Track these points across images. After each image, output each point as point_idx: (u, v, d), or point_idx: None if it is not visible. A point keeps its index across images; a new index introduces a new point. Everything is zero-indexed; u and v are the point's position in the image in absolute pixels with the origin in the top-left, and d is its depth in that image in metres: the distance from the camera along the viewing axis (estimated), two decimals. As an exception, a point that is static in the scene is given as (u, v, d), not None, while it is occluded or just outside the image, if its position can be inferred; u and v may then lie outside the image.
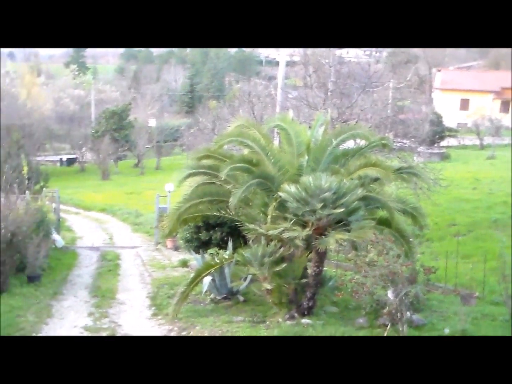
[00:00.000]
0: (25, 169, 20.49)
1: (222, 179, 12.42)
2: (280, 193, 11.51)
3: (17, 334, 11.58)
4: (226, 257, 13.12)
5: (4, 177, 17.20)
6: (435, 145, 44.80)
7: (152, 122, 55.23)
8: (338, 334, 10.98)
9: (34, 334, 11.69)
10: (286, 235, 11.34)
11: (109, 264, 19.05)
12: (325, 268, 13.03)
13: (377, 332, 11.09)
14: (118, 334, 11.90)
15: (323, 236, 11.14)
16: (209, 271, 12.94)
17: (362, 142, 13.59)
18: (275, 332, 11.20)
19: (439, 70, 68.38)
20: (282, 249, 11.89)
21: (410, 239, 12.87)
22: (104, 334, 11.89)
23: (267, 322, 12.05)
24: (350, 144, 14.21)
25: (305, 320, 11.80)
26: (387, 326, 11.03)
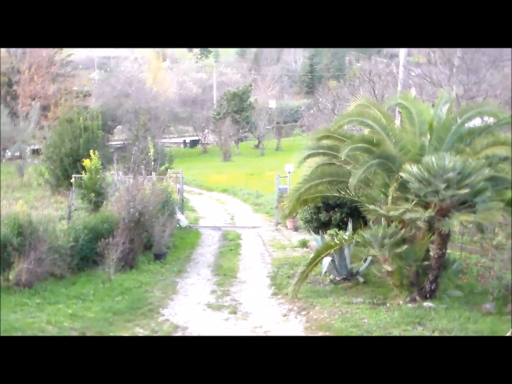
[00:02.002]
0: (151, 151, 21.26)
1: (342, 159, 12.31)
2: (401, 174, 11.25)
3: (145, 308, 12.20)
4: (346, 238, 13.03)
5: (132, 159, 17.98)
6: None
7: (272, 103, 55.51)
8: (462, 319, 10.63)
9: (160, 309, 12.26)
10: (407, 216, 11.08)
11: (230, 244, 19.49)
12: (448, 251, 12.59)
13: (506, 320, 10.61)
14: (239, 313, 12.20)
15: (446, 218, 10.78)
16: (329, 251, 12.92)
17: (490, 120, 12.92)
18: (395, 315, 11.03)
19: None
20: (403, 230, 11.63)
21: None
22: (225, 311, 12.24)
23: (388, 305, 11.87)
24: (476, 123, 13.55)
25: (427, 303, 11.50)
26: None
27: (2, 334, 10.35)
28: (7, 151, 40.55)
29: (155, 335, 8.94)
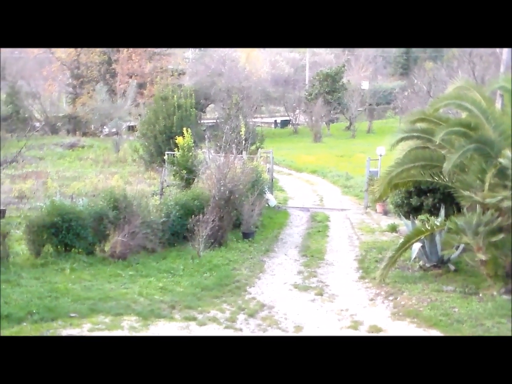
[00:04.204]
0: (243, 130, 21.42)
1: (437, 143, 11.93)
2: (500, 159, 10.79)
3: (233, 285, 12.39)
4: (438, 224, 12.67)
5: (224, 137, 18.18)
6: None
7: (365, 85, 54.52)
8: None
9: (247, 287, 12.41)
10: (505, 204, 10.66)
11: (318, 225, 19.42)
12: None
13: None
14: (325, 295, 12.16)
15: (547, 207, 10.28)
16: (419, 237, 12.61)
17: None
18: (489, 306, 10.68)
19: None
20: (499, 219, 11.17)
21: None
22: (312, 292, 12.24)
23: (480, 295, 11.48)
24: None
25: (523, 296, 11.07)
26: None
27: (98, 302, 10.83)
28: (104, 127, 42.06)
29: (155, 335, 8.98)
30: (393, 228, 18.02)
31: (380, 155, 21.91)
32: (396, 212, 17.58)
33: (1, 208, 17.82)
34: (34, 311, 10.06)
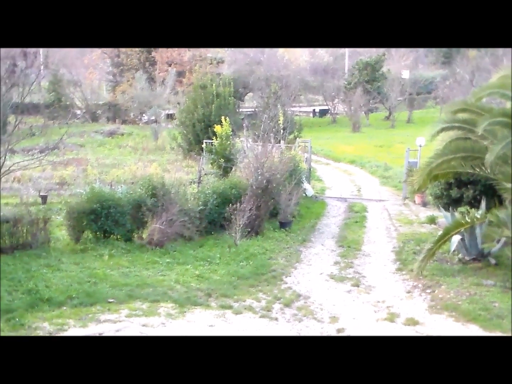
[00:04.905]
0: (281, 119, 21.34)
1: (479, 134, 11.69)
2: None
3: (269, 274, 12.40)
4: (478, 216, 12.45)
5: (262, 126, 18.14)
6: None
7: (406, 74, 53.72)
8: None
9: (283, 277, 12.40)
10: (549, 197, 10.39)
11: (356, 216, 19.28)
12: None
13: None
14: (362, 286, 12.08)
15: None
16: (459, 229, 12.41)
17: None
18: (529, 302, 10.47)
19: None
20: (543, 212, 10.93)
21: None
22: (348, 283, 12.17)
23: (520, 290, 11.27)
24: None
25: None
26: None
27: (136, 289, 10.97)
28: (143, 115, 42.45)
29: (155, 335, 8.96)
30: (432, 220, 17.77)
31: (420, 146, 21.60)
32: (435, 204, 17.34)
33: (43, 194, 18.19)
34: (73, 295, 10.26)
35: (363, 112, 48.72)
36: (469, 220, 12.33)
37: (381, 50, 53.53)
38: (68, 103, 42.93)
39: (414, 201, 21.35)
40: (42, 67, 30.63)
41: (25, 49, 12.03)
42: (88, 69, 46.19)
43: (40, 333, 8.81)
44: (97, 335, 8.91)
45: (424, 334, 9.43)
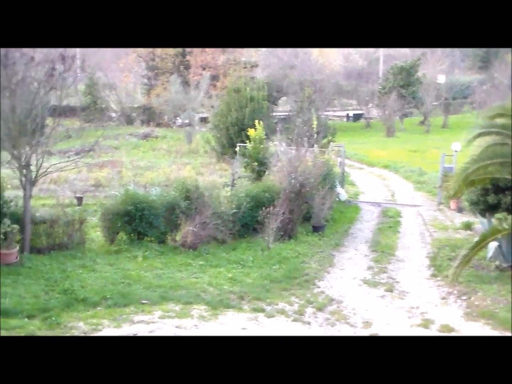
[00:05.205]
0: (315, 123, 21.31)
1: (517, 139, 11.51)
2: None
3: (302, 278, 12.36)
4: (516, 223, 12.23)
5: (295, 130, 18.14)
6: None
7: (441, 78, 53.09)
8: None
9: (316, 281, 12.35)
10: None
11: (389, 221, 19.12)
12: None
13: None
14: (395, 291, 11.96)
15: None
16: (496, 236, 12.20)
17: None
18: None
19: None
20: None
21: None
22: (382, 289, 12.06)
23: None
24: None
25: None
26: None
27: (169, 290, 11.04)
28: (178, 118, 42.75)
29: (154, 335, 8.91)
30: (468, 226, 17.54)
31: (456, 151, 21.35)
32: (471, 210, 17.09)
33: (79, 195, 18.45)
34: (108, 296, 10.36)
35: (397, 117, 48.29)
36: (506, 227, 12.12)
37: (417, 55, 53.11)
38: (103, 106, 43.48)
39: (449, 207, 21.09)
40: (79, 71, 31.13)
41: (63, 52, 12.23)
42: (123, 72, 46.69)
43: (75, 332, 8.92)
44: (131, 335, 8.98)
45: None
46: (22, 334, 8.64)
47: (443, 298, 11.60)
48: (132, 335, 8.94)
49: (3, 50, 11.50)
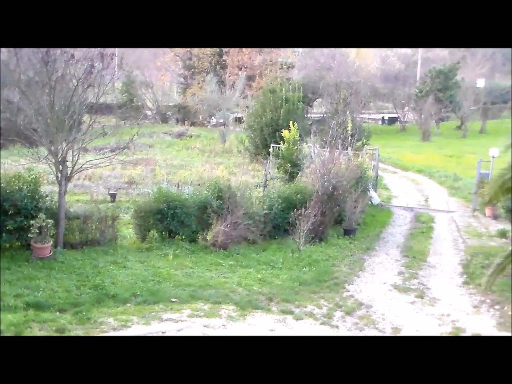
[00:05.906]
0: (349, 126, 21.19)
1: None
2: None
3: (331, 282, 12.30)
4: (552, 232, 11.99)
5: (330, 132, 18.06)
6: None
7: (481, 83, 52.38)
8: None
9: (346, 285, 12.28)
10: None
11: (422, 226, 18.90)
12: None
13: None
14: (426, 298, 11.82)
15: None
16: (531, 245, 11.98)
17: None
18: None
19: None
20: None
21: None
22: (412, 295, 11.92)
23: None
24: None
25: None
26: None
27: (199, 289, 11.08)
28: (212, 117, 42.96)
29: (155, 335, 8.85)
30: (503, 234, 17.23)
31: (493, 157, 20.99)
32: (507, 217, 16.82)
33: (112, 192, 18.66)
34: (138, 293, 10.46)
35: (433, 121, 47.76)
36: (542, 236, 11.89)
37: (456, 58, 52.45)
38: (139, 104, 43.95)
39: (484, 214, 20.75)
40: (116, 69, 31.46)
41: (102, 51, 12.39)
42: (160, 71, 47.14)
43: (104, 328, 9.02)
44: (160, 333, 9.05)
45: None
46: (54, 328, 8.77)
47: (475, 307, 11.42)
48: (160, 333, 9.02)
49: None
